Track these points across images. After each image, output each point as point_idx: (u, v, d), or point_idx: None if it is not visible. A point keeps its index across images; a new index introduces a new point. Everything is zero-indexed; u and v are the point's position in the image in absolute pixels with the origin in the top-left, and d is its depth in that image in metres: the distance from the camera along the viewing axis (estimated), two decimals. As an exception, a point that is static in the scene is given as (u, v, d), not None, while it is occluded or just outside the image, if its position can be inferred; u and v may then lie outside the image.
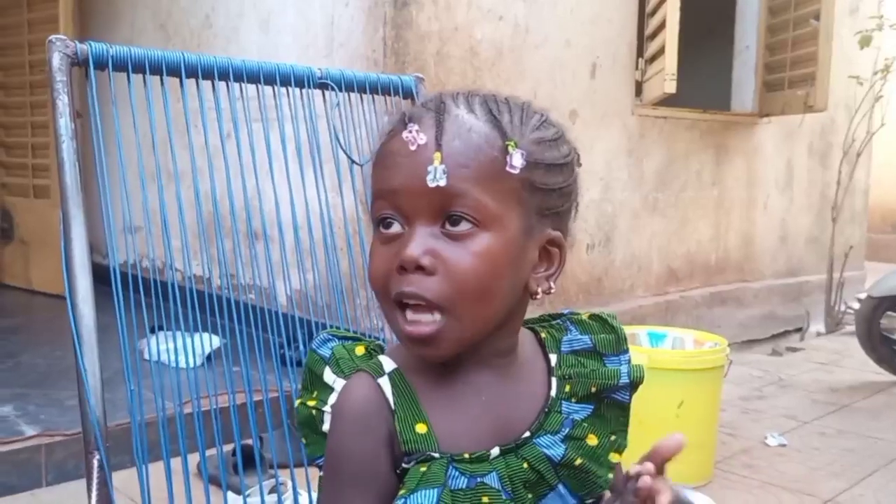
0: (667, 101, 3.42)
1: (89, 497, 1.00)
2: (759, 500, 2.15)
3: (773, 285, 4.43)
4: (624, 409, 0.74)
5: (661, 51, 3.24)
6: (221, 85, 1.24)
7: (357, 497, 0.67)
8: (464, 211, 0.63)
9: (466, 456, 0.67)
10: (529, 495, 0.69)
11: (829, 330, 4.45)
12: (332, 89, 1.34)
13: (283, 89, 1.31)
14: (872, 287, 3.43)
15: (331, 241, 1.38)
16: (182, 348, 1.53)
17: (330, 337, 0.76)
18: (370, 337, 0.79)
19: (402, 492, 0.65)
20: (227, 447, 1.99)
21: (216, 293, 1.28)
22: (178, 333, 1.29)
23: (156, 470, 1.11)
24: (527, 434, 0.70)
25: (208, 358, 2.36)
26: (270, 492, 1.77)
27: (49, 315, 3.83)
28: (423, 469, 0.66)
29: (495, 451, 0.68)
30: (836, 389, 3.29)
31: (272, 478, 1.83)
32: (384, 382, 0.68)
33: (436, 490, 0.65)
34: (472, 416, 0.69)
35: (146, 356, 2.58)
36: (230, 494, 1.84)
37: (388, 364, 0.70)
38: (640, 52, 3.55)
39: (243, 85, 1.27)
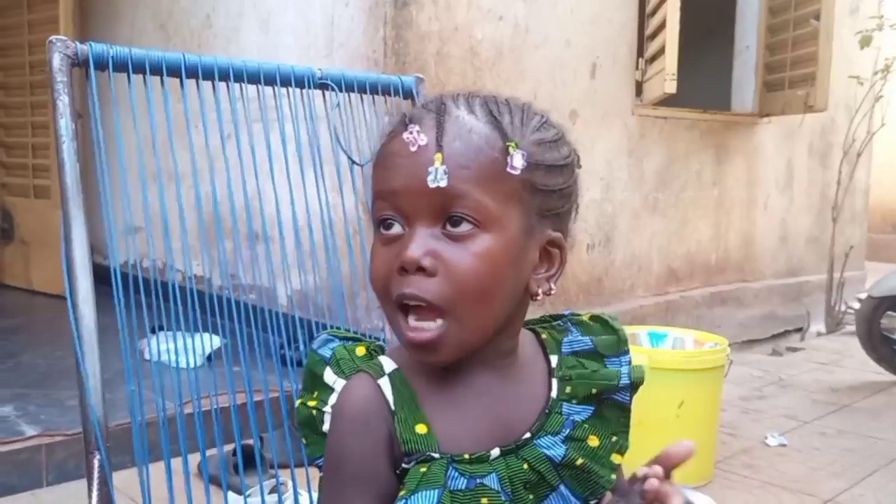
0: (667, 101, 3.42)
1: (90, 497, 1.00)
2: (759, 500, 2.15)
3: (774, 285, 4.43)
4: (625, 410, 0.74)
5: (661, 51, 3.24)
6: (222, 85, 1.24)
7: (357, 497, 0.67)
8: (464, 212, 0.63)
9: (466, 456, 0.67)
10: (530, 496, 0.69)
11: (829, 330, 4.45)
12: (333, 90, 1.34)
13: (284, 90, 1.31)
14: (873, 287, 3.43)
15: (331, 241, 1.38)
16: (183, 348, 1.53)
17: (331, 337, 0.76)
18: (371, 337, 0.79)
19: (402, 492, 0.65)
20: (228, 447, 1.99)
21: (217, 293, 1.28)
22: (179, 334, 1.29)
23: (156, 470, 1.11)
24: (527, 435, 0.70)
25: (209, 358, 2.37)
26: (271, 492, 1.77)
27: (49, 315, 3.84)
28: (423, 470, 0.66)
29: (495, 451, 0.68)
30: (836, 389, 3.29)
31: (273, 478, 1.83)
32: (384, 383, 0.69)
33: (436, 491, 0.65)
34: (473, 417, 0.69)
35: (147, 356, 2.58)
36: (231, 494, 1.84)
37: (388, 365, 0.70)
38: (640, 52, 3.55)
39: (244, 85, 1.27)
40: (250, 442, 1.89)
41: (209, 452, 1.30)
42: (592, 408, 0.73)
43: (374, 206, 0.68)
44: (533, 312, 0.74)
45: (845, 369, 3.62)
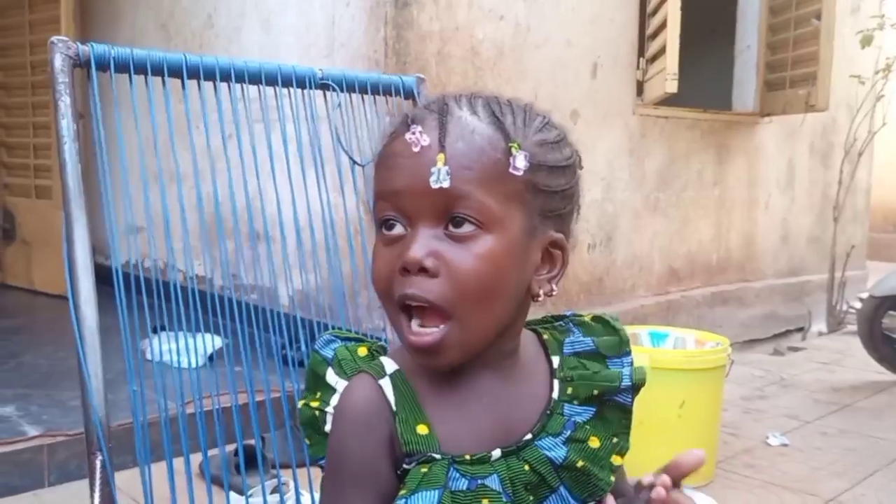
0: (668, 100, 3.42)
1: (92, 497, 1.01)
2: (760, 499, 2.15)
3: (775, 285, 4.43)
4: (626, 411, 0.74)
5: (662, 50, 3.24)
6: (223, 86, 1.24)
7: (357, 497, 0.67)
8: (467, 213, 0.63)
9: (467, 457, 0.67)
10: (531, 497, 0.69)
11: (830, 329, 4.45)
12: (334, 90, 1.34)
13: (285, 90, 1.31)
14: (874, 286, 3.43)
15: (332, 241, 1.38)
16: (184, 348, 1.54)
17: (333, 338, 0.76)
18: (372, 337, 0.79)
19: (402, 492, 0.65)
20: (230, 447, 1.99)
21: (218, 293, 1.28)
22: (181, 334, 1.29)
23: (158, 470, 1.11)
24: (528, 436, 0.70)
25: (210, 358, 2.37)
26: (273, 492, 1.77)
27: (51, 315, 3.84)
28: (424, 470, 0.66)
29: (496, 452, 0.68)
30: (837, 389, 3.29)
31: (274, 478, 1.83)
32: (385, 384, 0.69)
33: (436, 491, 0.65)
34: (474, 418, 0.69)
35: (148, 356, 2.59)
36: (232, 494, 1.84)
37: (389, 365, 0.70)
38: (641, 51, 3.55)
39: (245, 86, 1.27)
40: (252, 442, 1.89)
41: (211, 452, 1.30)
42: (594, 409, 0.72)
43: (376, 206, 0.68)
44: (534, 313, 0.74)
45: (847, 369, 3.62)
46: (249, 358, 1.25)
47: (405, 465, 0.67)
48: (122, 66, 1.14)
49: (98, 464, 1.00)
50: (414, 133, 0.64)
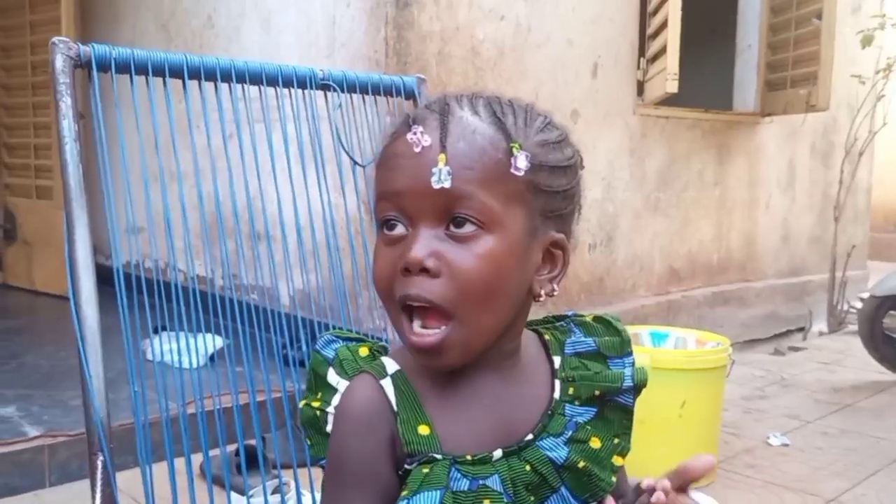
0: (668, 100, 3.42)
1: (93, 498, 1.01)
2: (761, 499, 2.15)
3: (776, 285, 4.43)
4: (627, 412, 0.74)
5: (662, 50, 3.24)
6: (224, 86, 1.24)
7: (358, 498, 0.67)
8: (468, 213, 0.63)
9: (469, 458, 0.67)
10: (532, 498, 0.69)
11: (831, 329, 4.45)
12: (335, 90, 1.34)
13: (286, 90, 1.31)
14: (875, 286, 3.43)
15: (333, 241, 1.38)
16: (185, 349, 1.54)
17: (334, 338, 0.76)
18: (373, 338, 0.79)
19: (404, 493, 0.65)
20: (231, 447, 1.99)
21: (219, 294, 1.28)
22: (181, 334, 1.29)
23: (159, 470, 1.11)
24: (529, 436, 0.70)
25: (211, 358, 2.37)
26: (273, 492, 1.77)
27: (52, 316, 3.84)
28: (426, 471, 0.66)
29: (498, 453, 0.68)
30: (838, 389, 3.29)
31: (275, 478, 1.83)
32: (387, 384, 0.69)
33: (438, 492, 0.65)
34: (475, 418, 0.69)
35: (149, 357, 2.59)
36: (234, 495, 1.84)
37: (390, 366, 0.70)
38: (641, 51, 3.55)
39: (246, 86, 1.27)
40: (253, 442, 1.89)
41: (212, 453, 1.30)
42: (595, 409, 0.72)
43: (377, 206, 0.68)
44: (535, 313, 0.74)
45: (847, 369, 3.62)
46: (250, 358, 1.25)
47: (406, 466, 0.67)
48: (123, 67, 1.14)
49: (99, 464, 1.00)
50: (415, 133, 0.64)
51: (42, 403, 2.44)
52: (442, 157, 0.63)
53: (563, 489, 0.70)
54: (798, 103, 3.92)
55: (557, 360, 0.74)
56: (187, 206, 1.22)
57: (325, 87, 1.34)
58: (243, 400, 1.30)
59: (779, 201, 4.45)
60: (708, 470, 0.66)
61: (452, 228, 0.64)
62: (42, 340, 3.30)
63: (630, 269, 3.63)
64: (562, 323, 0.77)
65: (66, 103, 1.06)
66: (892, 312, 3.32)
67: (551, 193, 0.67)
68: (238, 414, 1.23)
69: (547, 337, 0.75)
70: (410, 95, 1.46)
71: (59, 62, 1.06)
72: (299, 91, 1.33)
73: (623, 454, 0.73)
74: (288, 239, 1.33)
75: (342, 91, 1.35)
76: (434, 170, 0.63)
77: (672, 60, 3.15)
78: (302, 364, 1.00)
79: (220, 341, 2.29)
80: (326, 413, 0.72)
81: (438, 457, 0.66)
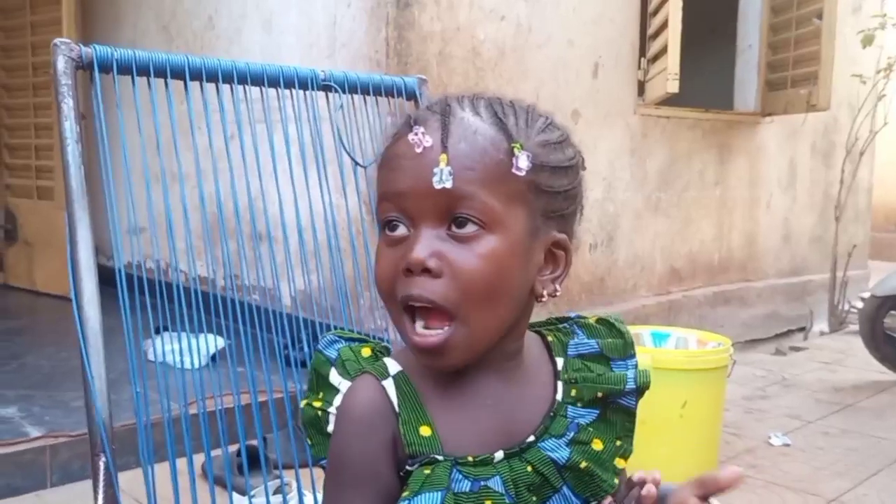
0: (669, 100, 3.42)
1: (95, 498, 1.01)
2: (762, 499, 2.15)
3: (777, 285, 4.43)
4: (630, 414, 0.74)
5: (663, 50, 3.24)
6: (225, 87, 1.25)
7: (358, 498, 0.67)
8: (470, 213, 0.63)
9: (470, 459, 0.67)
10: (533, 498, 0.69)
11: (832, 329, 4.45)
12: (336, 91, 1.35)
13: (287, 91, 1.31)
14: (876, 286, 3.43)
15: (335, 242, 1.38)
16: (187, 349, 1.54)
17: (336, 338, 0.76)
18: (375, 338, 0.79)
19: (405, 494, 0.65)
20: (232, 448, 1.99)
21: (220, 294, 1.28)
22: (183, 334, 1.29)
23: (161, 471, 1.11)
24: (531, 438, 0.70)
25: (213, 358, 2.37)
26: (275, 492, 1.77)
27: (53, 316, 3.84)
28: (427, 472, 0.66)
29: (499, 454, 0.68)
30: (839, 389, 3.28)
31: (277, 478, 1.83)
32: (388, 385, 0.69)
33: (439, 493, 0.65)
34: (477, 420, 0.69)
35: (151, 357, 2.59)
36: (235, 495, 1.84)
37: (392, 366, 0.70)
38: (642, 51, 3.55)
39: (247, 87, 1.27)
40: (254, 442, 1.89)
41: (214, 453, 1.30)
42: (597, 411, 0.72)
43: (379, 207, 0.68)
44: (537, 314, 0.74)
45: (849, 369, 3.62)
46: (252, 358, 1.25)
47: (408, 467, 0.67)
48: (125, 68, 1.14)
49: (102, 465, 1.01)
50: (416, 134, 0.64)
51: (43, 404, 2.44)
52: (443, 157, 0.63)
53: (564, 489, 0.70)
54: (799, 103, 3.92)
55: (560, 362, 0.74)
56: (189, 206, 1.22)
57: (326, 88, 1.34)
58: (245, 400, 1.30)
59: (780, 201, 4.45)
60: (736, 482, 0.65)
61: (454, 229, 0.64)
62: (43, 341, 3.30)
63: (631, 269, 3.63)
64: (565, 324, 0.77)
65: (67, 105, 1.06)
66: (892, 312, 3.32)
67: (553, 194, 0.67)
68: (240, 414, 1.23)
69: (550, 338, 0.75)
70: (411, 96, 1.46)
71: (61, 63, 1.06)
72: (301, 92, 1.33)
73: (625, 456, 0.73)
74: (289, 239, 1.33)
75: (343, 92, 1.35)
76: (435, 170, 0.63)
77: (673, 60, 3.16)
78: (303, 364, 1.00)
79: (221, 342, 2.29)
80: (328, 413, 0.72)
81: (440, 458, 0.66)
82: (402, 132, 0.67)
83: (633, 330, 2.34)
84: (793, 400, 3.10)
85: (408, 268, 0.64)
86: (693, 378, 2.18)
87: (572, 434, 0.71)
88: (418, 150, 0.64)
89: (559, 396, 0.72)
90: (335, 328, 0.82)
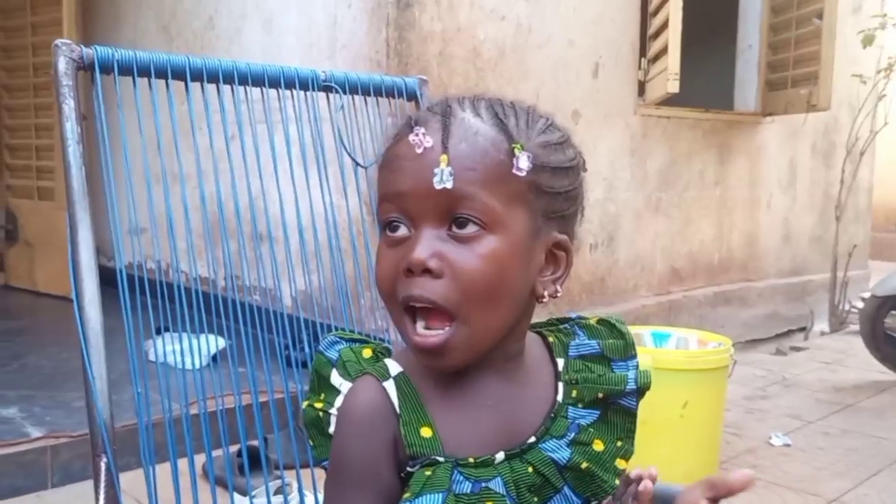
0: (669, 100, 3.42)
1: (97, 499, 1.01)
2: (763, 499, 2.15)
3: (777, 285, 4.43)
4: (631, 415, 0.74)
5: (663, 50, 3.24)
6: (226, 88, 1.25)
7: (359, 499, 0.67)
8: (470, 213, 0.63)
9: (471, 460, 0.67)
10: (535, 499, 0.69)
11: (833, 329, 4.44)
12: (336, 92, 1.35)
13: (288, 92, 1.31)
14: (876, 286, 3.43)
15: (335, 242, 1.38)
16: (187, 349, 1.54)
17: (337, 339, 0.76)
18: (376, 339, 0.79)
19: (406, 495, 0.65)
20: (233, 448, 1.99)
21: (221, 294, 1.28)
22: (184, 335, 1.29)
23: (162, 471, 1.11)
24: (532, 439, 0.70)
25: (213, 359, 2.37)
26: (276, 493, 1.77)
27: (54, 316, 3.85)
28: (428, 473, 0.66)
29: (500, 455, 0.68)
30: (840, 389, 3.28)
31: (278, 479, 1.83)
32: (389, 386, 0.69)
33: (440, 495, 0.65)
34: (478, 421, 0.69)
35: (152, 357, 2.59)
36: (236, 495, 1.85)
37: (393, 367, 0.70)
38: (642, 51, 3.55)
39: (248, 88, 1.27)
40: (255, 443, 1.89)
41: (215, 453, 1.31)
42: (598, 412, 0.72)
43: (380, 208, 0.68)
44: (538, 315, 0.74)
45: (849, 369, 3.62)
46: (253, 359, 1.25)
47: (409, 468, 0.67)
48: (126, 69, 1.14)
49: (103, 465, 1.01)
50: (417, 135, 0.64)
51: (44, 404, 2.44)
52: (444, 157, 0.63)
53: (565, 489, 0.70)
54: (799, 103, 3.92)
55: (561, 363, 0.74)
56: (190, 207, 1.22)
57: (327, 89, 1.34)
58: (246, 400, 1.30)
59: (780, 201, 4.45)
60: (747, 485, 0.64)
61: (455, 229, 0.64)
62: (44, 341, 3.30)
63: (631, 269, 3.63)
64: (565, 325, 0.77)
65: (69, 105, 1.06)
66: (893, 312, 3.32)
67: (553, 194, 0.67)
68: (241, 415, 1.23)
69: (551, 339, 0.75)
70: (412, 96, 1.46)
71: (62, 64, 1.07)
72: (301, 92, 1.33)
73: (626, 457, 0.73)
74: (290, 240, 1.33)
75: (344, 92, 1.35)
76: (436, 170, 0.63)
77: (673, 60, 3.16)
78: (304, 365, 1.00)
79: (222, 342, 2.29)
80: (329, 414, 0.72)
81: (441, 459, 0.66)
82: (402, 133, 0.67)
83: (633, 330, 2.35)
84: (793, 400, 3.10)
85: (408, 268, 0.64)
86: (694, 378, 2.19)
87: (573, 435, 0.71)
88: (419, 151, 0.64)
89: (560, 397, 0.72)
90: (336, 329, 0.82)
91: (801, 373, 3.53)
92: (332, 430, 0.71)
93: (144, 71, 1.16)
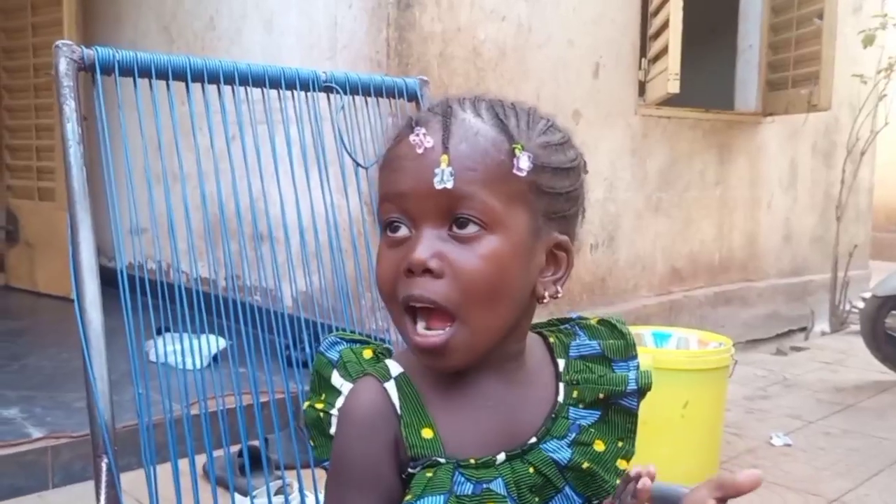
0: (670, 100, 3.42)
1: (97, 499, 1.01)
2: (764, 500, 2.15)
3: (778, 285, 4.43)
4: (632, 415, 0.74)
5: (664, 50, 3.24)
6: (227, 88, 1.25)
7: (360, 500, 0.67)
8: (471, 213, 0.63)
9: (472, 462, 0.67)
10: (536, 499, 0.69)
11: (833, 329, 4.44)
12: (337, 92, 1.35)
13: (289, 92, 1.31)
14: (877, 286, 3.43)
15: (336, 242, 1.38)
16: (188, 350, 1.54)
17: (338, 340, 0.76)
18: (376, 339, 0.79)
19: (408, 497, 0.65)
20: (234, 448, 1.99)
21: (222, 295, 1.28)
22: (185, 335, 1.29)
23: (163, 471, 1.11)
24: (533, 439, 0.70)
25: (214, 359, 2.37)
26: (277, 493, 1.77)
27: (55, 317, 3.85)
28: (429, 475, 0.65)
29: (501, 456, 0.68)
30: (840, 389, 3.28)
31: (279, 479, 1.83)
32: (390, 387, 0.68)
33: (442, 496, 0.65)
34: (479, 422, 0.69)
35: (152, 358, 2.59)
36: (237, 496, 1.85)
37: (394, 368, 0.70)
38: (643, 51, 3.55)
39: (249, 88, 1.27)
40: (256, 443, 1.89)
41: (215, 454, 1.31)
42: (599, 412, 0.72)
43: (381, 208, 0.68)
44: (538, 315, 0.74)
45: (850, 369, 3.62)
46: (253, 359, 1.25)
47: (410, 469, 0.67)
48: (127, 70, 1.14)
49: (104, 466, 1.01)
50: (418, 135, 0.64)
51: (45, 405, 2.44)
52: (444, 158, 0.63)
53: (566, 489, 0.70)
54: (799, 103, 3.92)
55: (562, 363, 0.74)
56: (190, 207, 1.22)
57: (327, 89, 1.34)
58: (246, 401, 1.30)
59: (780, 201, 4.45)
60: (755, 485, 0.64)
61: (455, 229, 0.64)
62: (45, 342, 3.31)
63: (632, 270, 3.63)
64: (566, 326, 0.77)
65: (69, 106, 1.06)
66: (894, 312, 3.32)
67: (554, 195, 0.67)
68: (241, 415, 1.23)
69: (552, 340, 0.75)
70: (413, 97, 1.46)
71: (63, 65, 1.07)
72: (302, 93, 1.33)
73: (627, 458, 0.73)
74: (291, 240, 1.33)
75: (345, 93, 1.35)
76: (437, 170, 0.63)
77: (673, 60, 3.16)
78: (305, 365, 1.01)
79: (222, 342, 2.29)
80: (330, 415, 0.72)
81: (442, 461, 0.66)
82: (403, 133, 0.67)
83: (634, 330, 2.35)
84: (794, 400, 3.10)
85: (409, 268, 0.64)
86: (694, 378, 2.19)
87: (574, 435, 0.71)
88: (419, 151, 0.64)
89: (561, 398, 0.72)
90: (336, 329, 0.82)
91: (802, 373, 3.53)
92: (332, 430, 0.71)
93: (145, 71, 1.16)
